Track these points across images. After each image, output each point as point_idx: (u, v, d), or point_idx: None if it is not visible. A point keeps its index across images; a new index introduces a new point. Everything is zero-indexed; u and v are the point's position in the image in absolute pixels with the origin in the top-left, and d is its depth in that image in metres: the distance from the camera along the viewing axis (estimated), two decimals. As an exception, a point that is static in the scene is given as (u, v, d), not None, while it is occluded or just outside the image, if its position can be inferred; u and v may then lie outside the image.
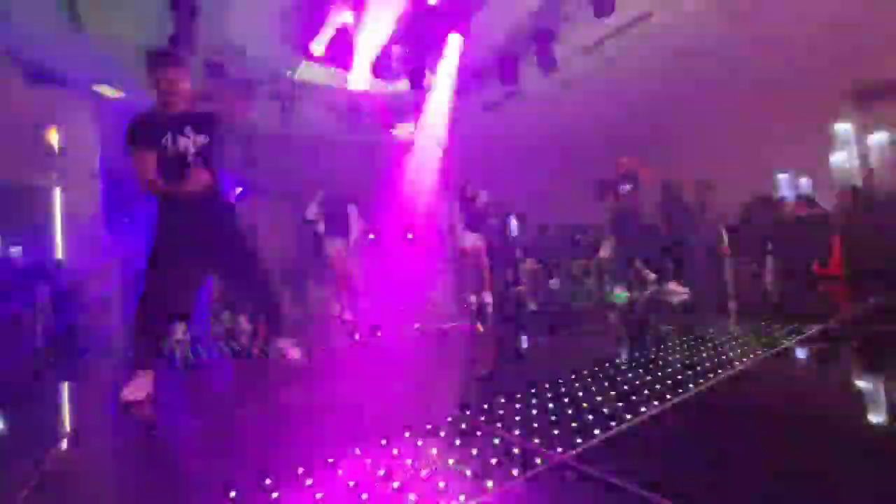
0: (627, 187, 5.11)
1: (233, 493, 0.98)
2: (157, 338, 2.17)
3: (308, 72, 6.26)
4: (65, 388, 2.63)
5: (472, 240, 5.42)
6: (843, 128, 6.95)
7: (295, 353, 2.44)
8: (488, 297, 5.22)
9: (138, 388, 1.96)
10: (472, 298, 5.28)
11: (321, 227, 4.76)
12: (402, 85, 6.61)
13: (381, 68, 6.12)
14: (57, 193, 6.37)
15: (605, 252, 6.71)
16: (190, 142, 2.07)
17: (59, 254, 6.28)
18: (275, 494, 0.98)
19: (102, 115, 6.56)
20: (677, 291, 4.76)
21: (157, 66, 2.05)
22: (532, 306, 5.23)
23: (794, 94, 7.33)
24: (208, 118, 2.21)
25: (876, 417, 1.28)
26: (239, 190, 4.70)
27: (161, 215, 2.12)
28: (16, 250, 6.52)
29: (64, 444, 1.56)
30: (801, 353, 1.97)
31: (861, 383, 1.57)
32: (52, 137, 6.10)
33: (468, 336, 3.37)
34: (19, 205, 6.43)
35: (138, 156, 1.98)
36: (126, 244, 7.52)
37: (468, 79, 6.86)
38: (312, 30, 5.30)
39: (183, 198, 2.07)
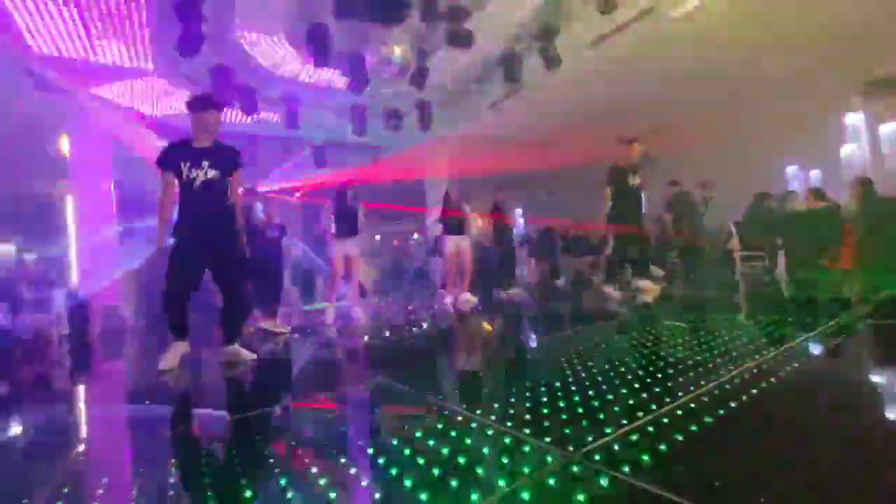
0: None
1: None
2: (183, 312, 2.63)
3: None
4: (81, 391, 2.67)
5: (453, 242, 5.54)
6: (853, 119, 6.84)
7: (248, 355, 2.75)
8: (466, 296, 5.34)
9: (173, 359, 2.55)
10: (448, 299, 5.38)
11: (332, 229, 4.79)
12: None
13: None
14: (69, 201, 6.46)
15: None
16: (201, 173, 2.51)
17: (73, 260, 6.37)
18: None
19: (115, 121, 6.62)
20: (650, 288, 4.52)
21: (204, 108, 2.50)
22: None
23: (803, 85, 7.23)
24: (229, 155, 2.67)
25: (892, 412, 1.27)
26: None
27: (179, 221, 2.62)
28: (30, 258, 6.61)
29: (82, 447, 1.59)
30: (815, 349, 1.95)
31: (877, 377, 1.56)
32: (63, 144, 6.16)
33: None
34: (32, 212, 6.53)
35: (162, 177, 2.43)
36: (140, 251, 7.58)
37: (472, 77, 6.85)
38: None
39: (193, 211, 2.58)
